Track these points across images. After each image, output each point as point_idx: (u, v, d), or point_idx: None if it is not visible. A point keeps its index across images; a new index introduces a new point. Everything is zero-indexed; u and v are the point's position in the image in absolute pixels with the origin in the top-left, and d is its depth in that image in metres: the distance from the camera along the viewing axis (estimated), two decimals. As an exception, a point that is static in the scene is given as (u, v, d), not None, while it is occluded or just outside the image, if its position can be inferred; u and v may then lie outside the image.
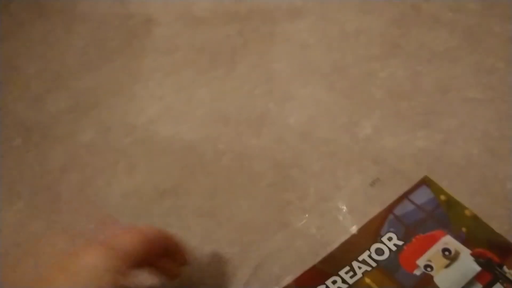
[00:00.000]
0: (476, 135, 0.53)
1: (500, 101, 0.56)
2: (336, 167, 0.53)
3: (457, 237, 0.44)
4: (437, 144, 0.53)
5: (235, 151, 0.56)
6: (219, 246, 0.48)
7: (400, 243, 0.45)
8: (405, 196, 0.48)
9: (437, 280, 0.42)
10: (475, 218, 0.46)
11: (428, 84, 0.59)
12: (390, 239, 0.46)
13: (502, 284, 0.41)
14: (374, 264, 0.44)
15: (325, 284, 0.43)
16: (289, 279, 0.45)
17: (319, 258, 0.46)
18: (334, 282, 0.43)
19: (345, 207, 0.49)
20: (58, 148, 0.61)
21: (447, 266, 0.43)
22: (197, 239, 0.49)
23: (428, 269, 0.43)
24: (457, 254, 0.43)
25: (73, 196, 0.56)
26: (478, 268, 0.42)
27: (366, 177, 0.51)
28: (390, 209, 0.48)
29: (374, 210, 0.48)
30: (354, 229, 0.47)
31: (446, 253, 0.43)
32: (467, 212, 0.46)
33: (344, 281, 0.43)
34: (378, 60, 0.62)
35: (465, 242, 0.44)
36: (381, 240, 0.46)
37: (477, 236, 0.44)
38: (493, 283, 0.41)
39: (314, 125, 0.57)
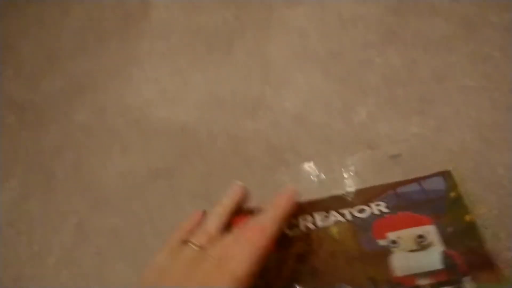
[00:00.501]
0: (469, 122, 0.54)
1: (494, 89, 0.56)
2: (330, 151, 0.53)
3: (441, 231, 0.43)
4: (431, 130, 0.53)
5: (230, 134, 0.56)
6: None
7: (385, 210, 0.45)
8: (417, 180, 0.47)
9: (393, 257, 0.42)
10: (471, 225, 0.43)
11: (423, 71, 0.59)
12: (378, 205, 0.45)
13: None
14: (349, 218, 0.45)
15: (297, 219, 0.45)
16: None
17: (308, 197, 0.47)
18: (306, 221, 0.45)
19: (351, 172, 0.49)
20: (52, 127, 0.61)
21: (412, 250, 0.42)
22: (191, 220, 0.49)
23: (393, 244, 0.42)
24: (429, 245, 0.42)
25: (68, 176, 0.56)
26: (440, 267, 0.41)
27: (360, 162, 0.52)
28: (394, 186, 0.47)
29: (378, 182, 0.48)
30: (351, 188, 0.48)
31: (420, 239, 0.42)
32: (467, 217, 0.44)
33: (314, 222, 0.45)
34: (375, 47, 0.62)
35: (446, 240, 0.42)
36: (369, 204, 0.45)
37: (462, 241, 0.42)
38: (444, 285, 0.40)
39: (309, 110, 0.57)
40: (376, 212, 0.45)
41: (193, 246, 0.37)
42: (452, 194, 0.45)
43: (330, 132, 0.55)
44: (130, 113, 0.61)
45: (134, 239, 0.50)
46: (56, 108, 0.63)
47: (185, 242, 0.38)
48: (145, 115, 0.60)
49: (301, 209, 0.46)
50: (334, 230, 0.44)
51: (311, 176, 0.50)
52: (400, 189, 0.46)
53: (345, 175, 0.49)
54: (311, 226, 0.45)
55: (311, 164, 0.51)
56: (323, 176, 0.50)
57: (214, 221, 0.40)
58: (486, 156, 0.51)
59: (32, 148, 0.59)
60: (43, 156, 0.58)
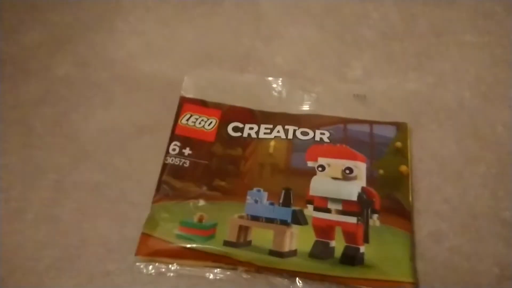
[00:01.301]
0: (468, 79, 0.51)
1: (495, 45, 0.54)
2: (322, 107, 0.50)
3: (370, 171, 0.44)
4: (428, 87, 0.51)
5: (218, 88, 0.53)
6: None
7: (326, 140, 0.46)
8: (370, 123, 0.48)
9: (315, 179, 0.44)
10: (403, 175, 0.45)
11: (422, 26, 0.56)
12: (322, 133, 0.47)
13: (359, 220, 0.42)
14: (290, 137, 0.47)
15: (244, 124, 0.48)
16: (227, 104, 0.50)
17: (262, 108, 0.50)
18: (251, 128, 0.48)
19: (312, 96, 0.51)
20: (32, 81, 0.58)
21: (335, 178, 0.44)
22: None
23: (320, 168, 0.44)
24: (352, 178, 0.44)
25: (48, 131, 0.53)
26: (353, 198, 0.43)
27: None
28: (345, 121, 0.48)
29: (335, 113, 0.49)
30: (305, 111, 0.50)
31: (347, 171, 0.44)
32: (402, 168, 0.45)
33: (257, 132, 0.48)
34: (371, 1, 0.59)
35: (371, 180, 0.44)
36: (315, 130, 0.47)
37: (387, 186, 0.44)
38: (352, 215, 0.42)
39: (301, 65, 0.55)
40: (317, 139, 0.47)
41: None
42: (398, 144, 0.46)
43: (323, 87, 0.52)
44: (114, 67, 0.58)
45: (116, 195, 0.48)
46: (36, 61, 0.60)
47: None
48: (130, 69, 0.57)
49: (251, 116, 0.49)
50: (272, 144, 0.47)
51: (273, 92, 0.51)
52: (350, 126, 0.48)
53: (305, 98, 0.51)
54: (253, 135, 0.48)
55: (279, 80, 0.52)
56: (284, 93, 0.51)
57: None
58: (485, 113, 0.49)
59: (11, 102, 0.56)
60: (22, 110, 0.55)
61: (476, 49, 0.53)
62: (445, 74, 0.52)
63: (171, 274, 0.42)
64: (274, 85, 0.52)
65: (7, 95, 0.57)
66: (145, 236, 0.43)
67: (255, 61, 0.56)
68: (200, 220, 0.43)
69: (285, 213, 0.43)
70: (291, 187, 0.44)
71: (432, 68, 0.52)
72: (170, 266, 0.42)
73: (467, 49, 0.54)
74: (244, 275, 0.41)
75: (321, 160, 0.45)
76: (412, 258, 0.41)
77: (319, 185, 0.44)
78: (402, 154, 0.46)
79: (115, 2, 0.64)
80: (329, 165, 0.44)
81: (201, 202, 0.44)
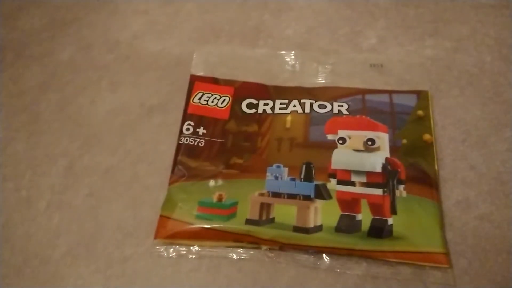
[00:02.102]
0: (488, 42, 0.49)
1: (514, 6, 0.51)
2: (338, 79, 0.49)
3: (393, 141, 0.43)
4: (447, 52, 0.49)
5: (228, 66, 0.52)
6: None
7: (345, 112, 0.45)
8: (389, 92, 0.46)
9: (337, 151, 0.42)
10: (426, 144, 0.43)
11: (437, -10, 0.54)
12: (340, 105, 0.45)
13: (385, 192, 0.40)
14: (307, 111, 0.45)
15: (258, 100, 0.47)
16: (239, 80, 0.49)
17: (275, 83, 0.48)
18: (266, 104, 0.47)
19: (326, 68, 0.49)
20: (35, 67, 0.56)
21: (357, 150, 0.42)
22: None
23: (340, 141, 0.43)
24: (375, 150, 0.42)
25: (54, 116, 0.52)
26: (379, 170, 0.41)
27: (371, 88, 0.48)
28: (364, 92, 0.46)
29: (352, 84, 0.47)
30: (321, 83, 0.48)
31: (369, 142, 0.42)
32: (426, 136, 0.43)
33: (273, 107, 0.46)
34: (383, -33, 0.57)
35: (395, 150, 0.42)
36: (332, 103, 0.46)
37: (411, 155, 0.42)
38: (377, 186, 0.40)
39: (314, 36, 0.53)
40: (335, 111, 0.45)
41: None
42: (419, 112, 0.44)
43: (337, 58, 0.50)
44: (119, 48, 0.56)
45: (128, 178, 0.46)
46: (39, 46, 0.58)
47: None
48: (135, 49, 0.55)
49: (265, 92, 0.47)
50: (288, 119, 0.45)
51: (286, 66, 0.50)
52: (368, 97, 0.46)
53: (320, 70, 0.49)
54: (269, 111, 0.46)
55: (292, 53, 0.50)
56: (298, 66, 0.50)
57: None
58: (508, 76, 0.47)
59: (15, 89, 0.55)
60: (27, 97, 0.54)
61: (495, 11, 0.51)
62: (463, 38, 0.50)
63: (193, 256, 0.41)
64: (287, 59, 0.50)
65: (11, 82, 0.56)
66: (163, 219, 0.42)
67: (265, 35, 0.54)
68: (220, 199, 0.42)
69: (307, 188, 0.41)
70: (311, 161, 0.42)
71: (450, 33, 0.50)
72: (191, 248, 0.41)
73: (485, 12, 0.51)
74: (268, 254, 0.40)
75: (341, 133, 0.43)
76: (442, 227, 0.39)
77: (341, 158, 0.42)
78: (424, 123, 0.44)
79: (115, -18, 0.62)
80: (349, 137, 0.43)
81: (219, 181, 0.43)
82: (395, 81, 0.47)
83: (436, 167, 0.42)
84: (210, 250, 0.41)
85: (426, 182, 0.41)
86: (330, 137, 0.43)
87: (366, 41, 0.51)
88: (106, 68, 0.54)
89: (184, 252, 0.41)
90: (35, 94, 0.54)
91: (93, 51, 0.56)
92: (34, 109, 0.53)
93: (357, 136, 0.43)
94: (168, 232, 0.41)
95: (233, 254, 0.40)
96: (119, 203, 0.45)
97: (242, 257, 0.40)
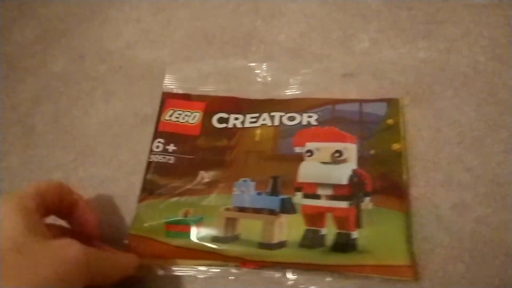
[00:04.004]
0: (482, 42, 0.49)
1: (508, 5, 0.51)
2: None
3: (361, 152, 0.42)
4: (440, 53, 0.49)
5: (221, 73, 0.52)
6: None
7: (314, 123, 0.44)
8: (359, 101, 0.46)
9: (304, 164, 0.42)
10: (395, 153, 0.42)
11: (429, -9, 0.54)
12: (310, 116, 0.45)
13: (351, 204, 0.40)
14: (276, 124, 0.45)
15: (229, 114, 0.47)
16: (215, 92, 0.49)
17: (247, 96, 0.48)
18: (236, 119, 0.46)
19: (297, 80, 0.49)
20: (28, 79, 0.56)
21: (325, 162, 0.42)
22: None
23: (308, 153, 0.42)
24: (343, 161, 0.42)
25: (48, 128, 0.52)
26: (345, 182, 0.41)
27: (365, 92, 0.47)
28: (334, 102, 0.46)
29: (325, 94, 0.47)
30: (292, 92, 0.48)
31: (336, 154, 0.42)
32: (395, 146, 0.42)
33: (243, 121, 0.46)
34: (374, -31, 0.57)
35: (362, 161, 0.42)
36: (302, 114, 0.45)
37: (379, 165, 0.41)
38: (343, 199, 0.40)
39: (306, 41, 0.53)
40: (304, 123, 0.44)
41: None
42: (389, 121, 0.44)
43: (330, 62, 0.50)
44: (111, 58, 0.56)
45: (124, 189, 0.46)
46: (31, 58, 0.58)
47: None
48: (128, 59, 0.55)
49: (236, 106, 0.47)
50: (258, 132, 0.45)
51: (258, 78, 0.49)
52: (339, 106, 0.45)
53: (291, 82, 0.48)
54: (239, 125, 0.46)
55: (264, 65, 0.50)
56: (269, 78, 0.49)
57: None
58: (502, 76, 0.47)
59: (9, 102, 0.55)
60: (21, 110, 0.54)
61: (488, 11, 0.51)
62: (457, 39, 0.49)
63: (161, 273, 0.40)
64: (259, 71, 0.50)
65: (4, 95, 0.56)
66: (132, 237, 0.42)
67: (258, 41, 0.53)
68: (185, 215, 0.41)
69: (272, 202, 0.41)
70: (279, 175, 0.42)
71: (443, 34, 0.50)
72: (159, 266, 0.41)
73: (478, 11, 0.51)
74: (234, 271, 0.40)
75: (309, 145, 0.43)
76: (409, 239, 0.38)
77: (308, 171, 0.42)
78: (394, 131, 0.43)
79: (107, -9, 0.62)
80: (317, 149, 0.42)
81: (187, 197, 0.42)
82: (367, 90, 0.47)
83: (405, 177, 0.41)
84: (177, 268, 0.40)
85: (394, 193, 0.40)
86: (297, 149, 0.43)
87: (359, 44, 0.51)
88: (99, 78, 0.54)
89: (153, 270, 0.41)
90: (29, 106, 0.54)
91: (85, 61, 0.56)
92: (28, 121, 0.53)
93: (325, 148, 0.42)
94: (137, 251, 0.40)
95: (199, 272, 0.40)
96: (114, 216, 0.45)
97: (208, 275, 0.40)
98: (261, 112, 0.46)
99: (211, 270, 0.40)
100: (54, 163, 0.49)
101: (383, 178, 0.41)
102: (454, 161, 0.43)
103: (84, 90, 0.53)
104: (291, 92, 0.48)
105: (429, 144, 0.43)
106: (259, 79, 0.49)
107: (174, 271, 0.41)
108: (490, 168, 0.42)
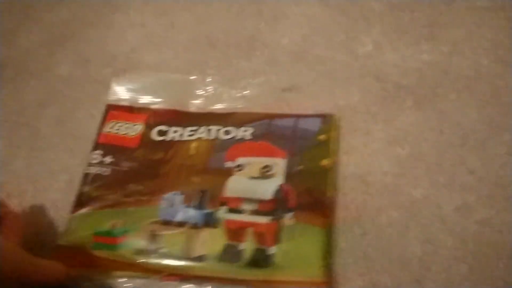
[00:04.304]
0: (485, 44, 0.49)
1: (510, 8, 0.51)
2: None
3: (289, 167, 0.42)
4: (443, 56, 0.49)
5: (225, 76, 0.52)
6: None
7: (248, 137, 0.45)
8: (296, 116, 0.46)
9: (232, 179, 0.42)
10: (323, 169, 0.42)
11: (431, -6, 0.54)
12: (246, 130, 0.45)
13: (273, 220, 0.40)
14: (212, 137, 0.45)
15: (169, 127, 0.47)
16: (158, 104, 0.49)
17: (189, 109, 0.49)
18: (175, 131, 0.47)
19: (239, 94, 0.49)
20: (34, 83, 0.57)
21: (253, 177, 0.42)
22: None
23: (237, 168, 0.43)
24: (270, 176, 0.42)
25: (54, 132, 0.52)
26: (270, 197, 0.41)
27: (368, 94, 0.48)
28: (272, 117, 0.46)
29: (260, 109, 0.47)
30: (234, 105, 0.48)
31: (265, 169, 0.42)
32: (324, 162, 0.42)
33: (182, 134, 0.46)
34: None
35: (290, 176, 0.42)
36: (239, 128, 0.46)
37: (305, 181, 0.41)
38: (265, 214, 0.40)
39: (309, 44, 0.53)
40: (239, 137, 0.45)
41: None
42: (321, 137, 0.44)
43: (333, 66, 0.50)
44: (116, 61, 0.56)
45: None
46: (37, 62, 0.58)
47: None
48: (132, 62, 0.56)
49: (177, 119, 0.47)
50: (193, 145, 0.45)
51: (200, 91, 0.49)
52: (276, 121, 0.46)
53: (232, 95, 0.49)
54: (177, 138, 0.46)
55: (209, 78, 0.50)
56: (211, 91, 0.49)
57: None
58: (505, 78, 0.47)
59: (15, 106, 0.55)
60: (27, 113, 0.54)
61: (491, 13, 0.51)
62: (459, 41, 0.50)
63: (87, 285, 0.40)
64: (201, 84, 0.50)
65: (10, 99, 0.56)
66: (61, 248, 0.42)
67: (261, 44, 0.54)
68: (112, 227, 0.42)
69: (196, 216, 0.41)
70: (208, 189, 0.42)
71: (446, 37, 0.50)
72: (86, 277, 0.40)
73: (481, 14, 0.51)
74: (157, 283, 0.39)
75: (240, 160, 0.43)
76: (327, 255, 0.38)
77: (235, 185, 0.42)
78: (324, 147, 0.43)
79: (111, -4, 0.63)
80: (248, 163, 0.43)
81: (117, 209, 0.43)
82: (305, 105, 0.47)
83: (329, 193, 0.41)
84: (101, 279, 0.40)
85: (318, 209, 0.40)
86: (228, 164, 0.43)
87: (362, 47, 0.51)
88: (104, 82, 0.54)
89: (78, 281, 0.40)
90: (35, 110, 0.54)
91: (90, 65, 0.57)
92: (34, 125, 0.53)
93: (255, 163, 0.43)
94: (64, 261, 0.40)
95: (123, 284, 0.40)
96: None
97: (132, 287, 0.40)
98: (200, 125, 0.46)
99: (135, 281, 0.40)
100: (60, 166, 0.49)
101: (308, 194, 0.41)
102: (457, 163, 0.43)
103: (89, 94, 0.54)
104: (231, 105, 0.48)
105: (432, 146, 0.44)
106: (200, 92, 0.49)
107: (99, 282, 0.40)
108: (493, 170, 0.42)
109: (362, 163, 0.44)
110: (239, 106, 0.48)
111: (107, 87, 0.54)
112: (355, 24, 0.53)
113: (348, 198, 0.42)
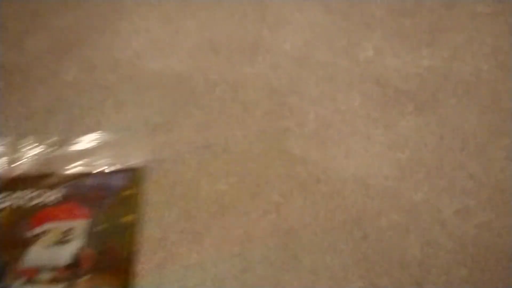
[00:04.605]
0: (485, 50, 0.50)
1: (510, 13, 0.52)
2: (336, 91, 0.49)
3: (91, 228, 0.41)
4: (444, 61, 0.50)
5: (228, 81, 0.53)
6: (216, 178, 0.46)
7: (60, 199, 0.43)
8: (104, 174, 0.45)
9: (33, 248, 0.40)
10: (125, 226, 0.41)
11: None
12: (59, 191, 0.44)
13: (67, 287, 0.39)
14: (21, 203, 0.43)
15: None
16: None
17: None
18: None
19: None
20: (41, 89, 0.58)
21: (55, 243, 0.41)
22: (193, 172, 0.46)
23: (39, 235, 0.41)
24: (70, 240, 0.41)
25: (62, 137, 0.53)
26: (65, 263, 0.40)
27: (369, 99, 0.48)
28: (84, 176, 0.45)
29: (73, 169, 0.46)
30: (45, 168, 0.46)
31: (65, 233, 0.41)
32: (125, 218, 0.42)
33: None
34: (378, -22, 0.58)
35: (91, 237, 0.41)
36: (53, 189, 0.44)
37: (106, 240, 0.41)
38: (60, 281, 0.39)
39: (311, 49, 0.54)
40: (50, 199, 0.43)
41: None
42: (126, 193, 0.43)
43: (334, 70, 0.51)
44: (122, 67, 0.57)
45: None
46: (44, 68, 0.59)
47: None
48: (137, 68, 0.57)
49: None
50: (3, 215, 0.42)
51: (10, 154, 0.48)
52: (86, 181, 0.44)
53: (44, 155, 0.47)
54: None
55: (30, 138, 0.50)
56: (24, 153, 0.48)
57: None
58: (505, 84, 0.47)
59: (23, 111, 0.56)
60: (35, 118, 0.55)
61: (491, 19, 0.52)
62: (460, 47, 0.50)
63: None
64: (6, 146, 0.49)
65: (19, 105, 0.57)
66: None
67: (264, 49, 0.55)
68: None
69: None
70: (9, 261, 0.40)
71: (446, 42, 0.51)
72: None
73: (481, 20, 0.52)
74: None
75: (46, 226, 0.42)
76: None
77: (33, 256, 0.40)
78: (128, 203, 0.43)
79: (118, 2, 0.64)
80: (51, 229, 0.41)
81: None
82: (116, 159, 0.47)
83: (126, 252, 0.41)
84: None
85: (115, 268, 0.40)
86: (36, 231, 0.42)
87: (363, 52, 0.52)
88: (110, 88, 0.55)
89: None
90: (43, 116, 0.55)
91: (96, 71, 0.57)
92: (42, 131, 0.54)
93: (58, 228, 0.42)
94: None
95: None
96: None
97: None
98: (13, 190, 0.44)
99: None
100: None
101: (107, 254, 0.40)
102: (457, 167, 0.43)
103: (96, 100, 0.55)
104: (44, 167, 0.46)
105: (432, 151, 0.44)
106: (8, 156, 0.48)
107: None
108: (492, 174, 0.43)
109: (362, 167, 0.44)
110: (48, 167, 0.46)
111: (113, 93, 0.55)
112: (357, 29, 0.54)
113: (349, 201, 0.43)
